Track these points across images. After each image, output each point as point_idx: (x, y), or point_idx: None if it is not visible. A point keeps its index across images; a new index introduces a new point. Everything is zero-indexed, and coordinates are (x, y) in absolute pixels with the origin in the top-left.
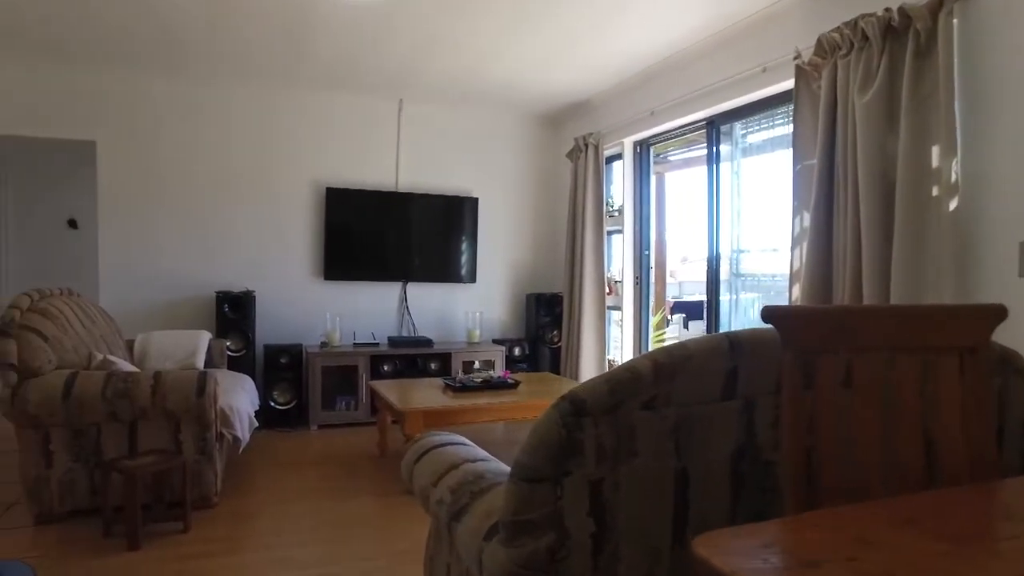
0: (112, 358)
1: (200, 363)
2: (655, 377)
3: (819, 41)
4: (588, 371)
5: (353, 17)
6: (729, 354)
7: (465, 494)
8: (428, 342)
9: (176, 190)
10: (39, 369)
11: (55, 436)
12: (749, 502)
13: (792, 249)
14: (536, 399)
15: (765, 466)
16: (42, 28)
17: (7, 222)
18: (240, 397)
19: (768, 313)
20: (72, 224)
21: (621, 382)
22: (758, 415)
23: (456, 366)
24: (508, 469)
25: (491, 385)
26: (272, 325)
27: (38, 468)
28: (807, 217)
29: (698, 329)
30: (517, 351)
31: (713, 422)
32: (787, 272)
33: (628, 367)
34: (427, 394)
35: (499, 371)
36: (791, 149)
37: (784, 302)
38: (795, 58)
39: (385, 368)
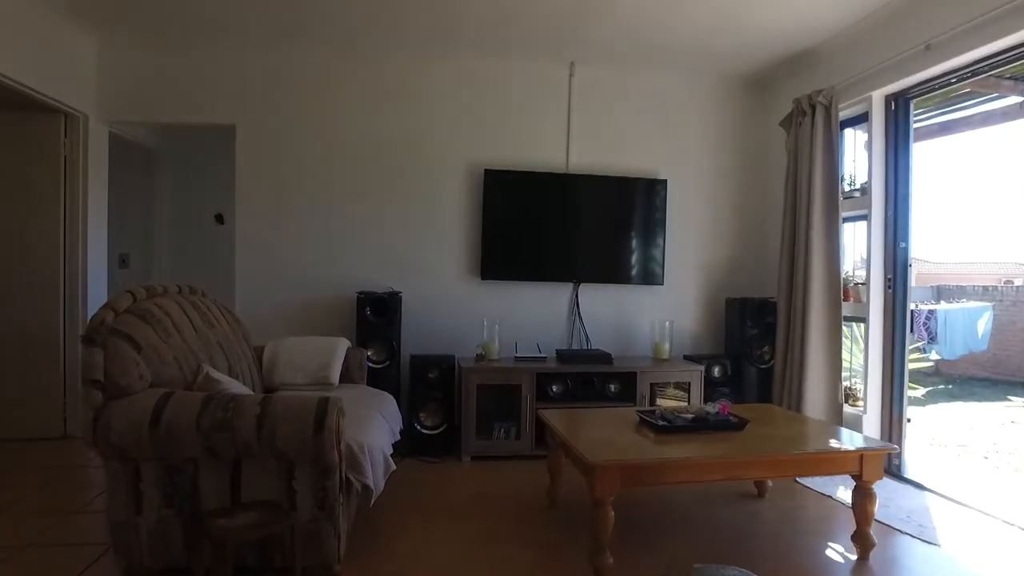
0: (215, 375)
1: (335, 376)
2: None
3: None
4: (815, 401)
5: None
6: None
7: None
8: (606, 358)
9: (316, 177)
10: (128, 387)
11: (146, 473)
12: None
13: None
14: (781, 451)
15: None
16: (175, 8)
17: (161, 218)
18: (375, 429)
19: None
20: (219, 219)
21: None
22: None
23: (642, 389)
24: None
25: (707, 424)
26: (420, 332)
27: (126, 511)
28: None
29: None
30: (717, 371)
31: None
32: None
33: None
34: (619, 435)
35: (697, 396)
36: None
37: None
38: None
39: (554, 389)
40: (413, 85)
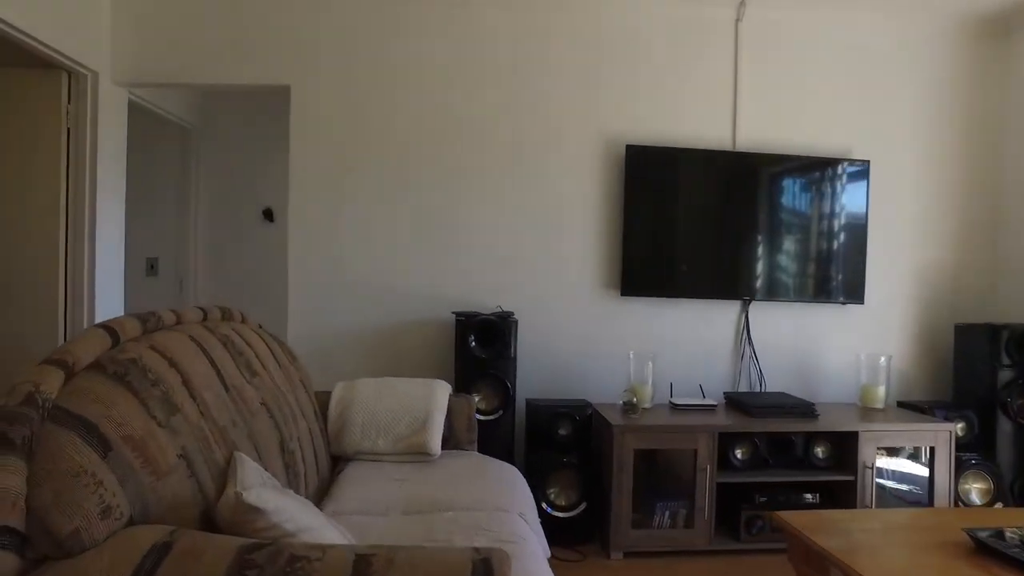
0: (256, 496)
1: (435, 442)
2: None
3: None
4: None
5: None
6: None
7: None
8: (807, 409)
9: (394, 157)
10: (74, 537)
11: None
12: None
13: None
14: None
15: None
16: None
17: (198, 214)
18: (533, 567)
19: None
20: (267, 215)
21: None
22: None
23: (864, 457)
24: None
25: None
26: (537, 368)
27: None
28: None
29: None
30: (960, 429)
31: None
32: None
33: None
34: None
35: (945, 468)
36: None
37: None
38: None
39: (738, 455)
40: (524, 35)
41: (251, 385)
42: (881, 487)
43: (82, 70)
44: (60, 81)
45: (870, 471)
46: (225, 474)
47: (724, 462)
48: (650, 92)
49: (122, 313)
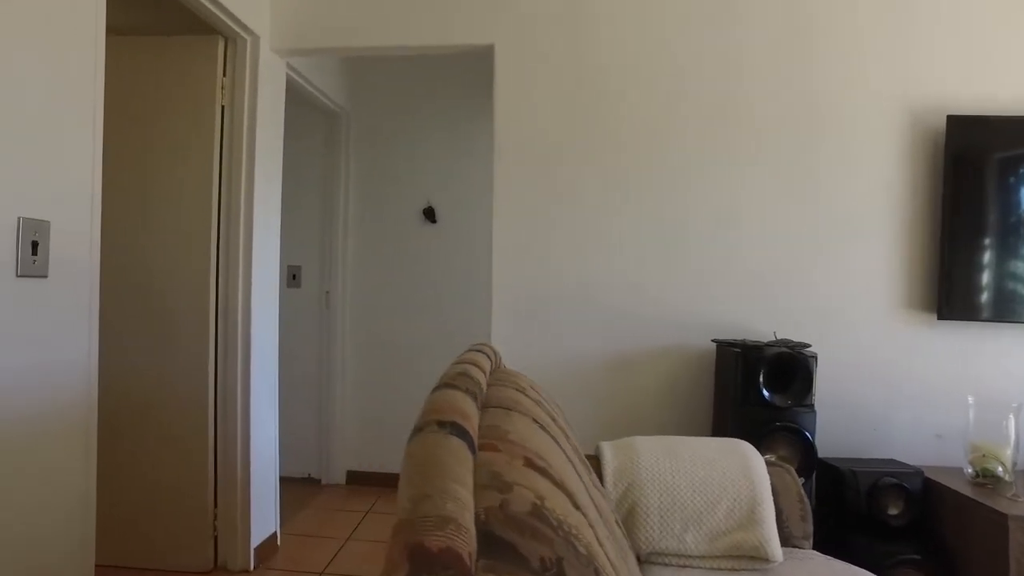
0: None
1: (775, 543)
2: None
3: None
4: None
5: None
6: None
7: None
8: None
9: (627, 139)
10: None
11: None
12: None
13: None
14: None
15: None
16: None
17: (346, 212)
18: None
19: None
20: (428, 215)
21: None
22: None
23: None
24: None
25: None
26: (827, 419)
27: None
28: None
29: None
30: None
31: None
32: None
33: None
34: None
35: None
36: None
37: None
38: None
39: None
40: None
41: (597, 489)
42: None
43: (242, 34)
44: (216, 49)
45: None
46: None
47: None
48: (973, 45)
49: (275, 335)
